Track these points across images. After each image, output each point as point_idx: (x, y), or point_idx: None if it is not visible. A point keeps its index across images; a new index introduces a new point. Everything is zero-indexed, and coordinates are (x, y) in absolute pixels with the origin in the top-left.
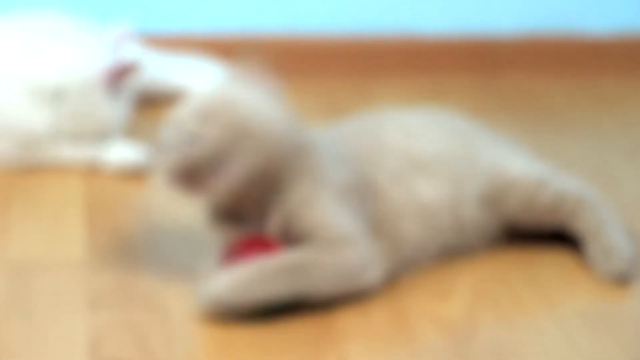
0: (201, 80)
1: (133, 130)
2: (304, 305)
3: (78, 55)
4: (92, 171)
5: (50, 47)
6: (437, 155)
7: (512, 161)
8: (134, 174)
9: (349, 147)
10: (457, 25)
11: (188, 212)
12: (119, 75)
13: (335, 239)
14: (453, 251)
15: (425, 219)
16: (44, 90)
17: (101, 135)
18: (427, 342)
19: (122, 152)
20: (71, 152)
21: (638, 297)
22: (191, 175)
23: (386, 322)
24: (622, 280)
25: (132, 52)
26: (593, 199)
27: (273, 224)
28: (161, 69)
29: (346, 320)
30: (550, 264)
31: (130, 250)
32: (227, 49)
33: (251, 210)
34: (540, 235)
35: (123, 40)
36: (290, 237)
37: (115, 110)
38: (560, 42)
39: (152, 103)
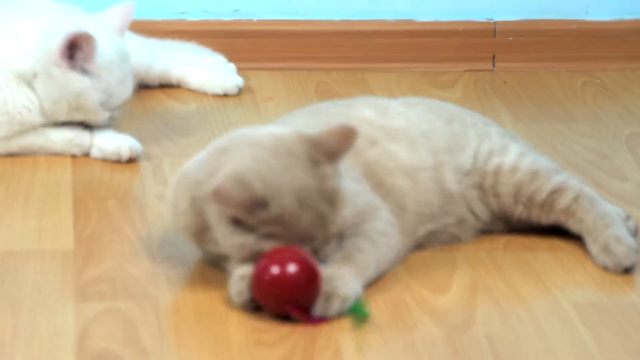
0: (195, 68)
1: (124, 117)
2: None
3: (44, 33)
4: (80, 159)
5: (23, 27)
6: (408, 126)
7: (506, 149)
8: (123, 162)
9: (318, 123)
10: (454, 12)
11: None
12: (70, 47)
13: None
14: (446, 223)
15: (409, 174)
16: (23, 72)
17: (88, 113)
18: (422, 333)
19: (111, 140)
20: (60, 136)
21: (638, 287)
22: None
23: (382, 312)
24: (624, 272)
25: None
26: (590, 194)
27: None
28: (156, 57)
29: None
30: (548, 254)
31: (119, 240)
32: (220, 36)
33: None
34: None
35: (128, 15)
36: None
37: (87, 84)
38: (559, 30)
39: (145, 90)
